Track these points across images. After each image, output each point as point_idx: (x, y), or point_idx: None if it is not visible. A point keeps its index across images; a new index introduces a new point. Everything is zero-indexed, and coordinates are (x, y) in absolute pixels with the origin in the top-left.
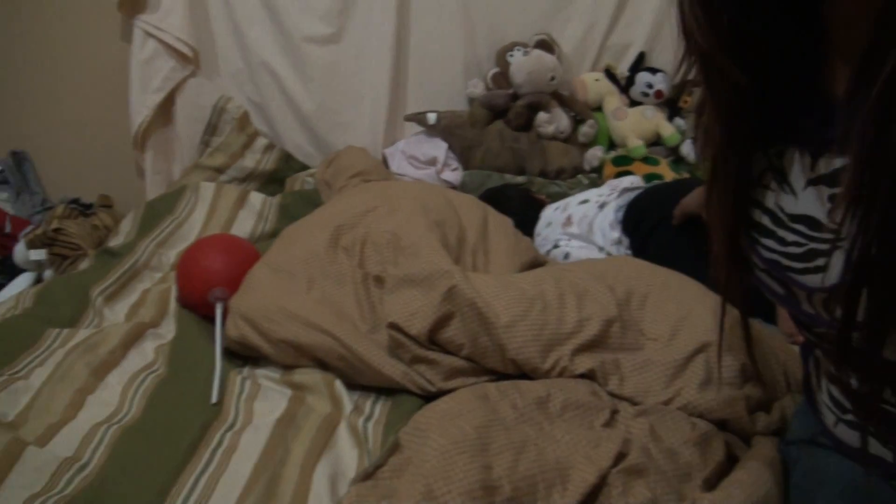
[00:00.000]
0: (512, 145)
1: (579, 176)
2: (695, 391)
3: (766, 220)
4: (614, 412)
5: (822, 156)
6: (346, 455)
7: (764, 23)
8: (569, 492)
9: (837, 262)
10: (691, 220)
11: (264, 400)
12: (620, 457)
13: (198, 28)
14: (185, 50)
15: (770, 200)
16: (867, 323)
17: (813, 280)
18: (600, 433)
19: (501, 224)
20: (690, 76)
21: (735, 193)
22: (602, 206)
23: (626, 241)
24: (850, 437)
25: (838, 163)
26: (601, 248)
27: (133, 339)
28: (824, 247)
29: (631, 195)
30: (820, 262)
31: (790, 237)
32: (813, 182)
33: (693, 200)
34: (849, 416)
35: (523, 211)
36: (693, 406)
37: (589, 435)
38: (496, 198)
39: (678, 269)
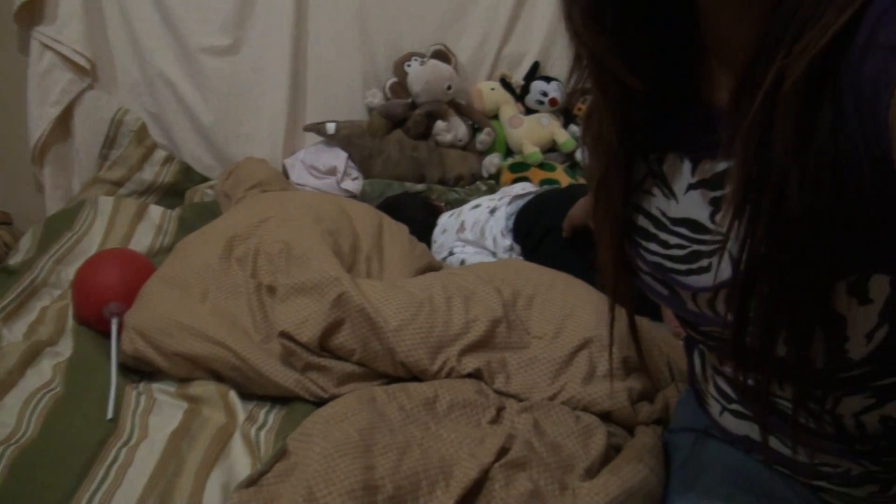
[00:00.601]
0: (411, 154)
1: (478, 183)
2: (578, 385)
3: (648, 224)
4: (500, 409)
5: (701, 161)
6: (239, 464)
7: (644, 29)
8: (451, 487)
9: (721, 262)
10: (579, 232)
11: (159, 414)
12: (503, 451)
13: (95, 39)
14: (82, 62)
15: (652, 205)
16: (758, 320)
17: (697, 281)
18: (486, 430)
19: (396, 231)
20: (582, 83)
21: (623, 198)
22: (493, 210)
23: (517, 248)
24: (735, 426)
25: (721, 167)
26: (493, 254)
27: (30, 358)
28: (707, 248)
29: (521, 202)
30: (703, 262)
31: (673, 240)
32: (694, 186)
33: (578, 212)
34: (734, 406)
35: (421, 218)
36: (577, 400)
37: (474, 432)
38: (394, 206)
39: None
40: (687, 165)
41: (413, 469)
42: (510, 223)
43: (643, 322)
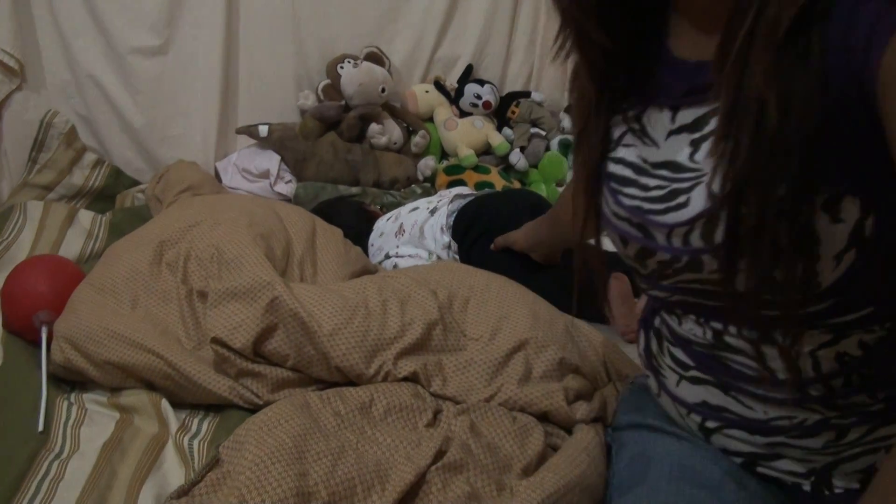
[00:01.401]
0: (345, 157)
1: (413, 186)
2: (515, 387)
3: (628, 172)
4: (437, 413)
5: (680, 108)
6: (172, 475)
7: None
8: (387, 492)
9: (697, 196)
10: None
11: (91, 425)
12: (440, 454)
13: (23, 39)
14: (11, 63)
15: (632, 154)
16: (746, 240)
17: (674, 217)
18: (422, 433)
19: (330, 235)
20: (566, 48)
21: (600, 148)
22: (433, 211)
23: (454, 245)
24: (692, 393)
25: (700, 111)
26: (431, 253)
27: None
28: (686, 185)
29: (462, 202)
30: (681, 199)
31: (653, 182)
32: (675, 132)
33: (521, 239)
34: (691, 373)
35: (355, 223)
36: (514, 401)
37: (411, 436)
38: (328, 212)
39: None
40: (667, 114)
41: (348, 474)
42: (450, 220)
43: (582, 325)
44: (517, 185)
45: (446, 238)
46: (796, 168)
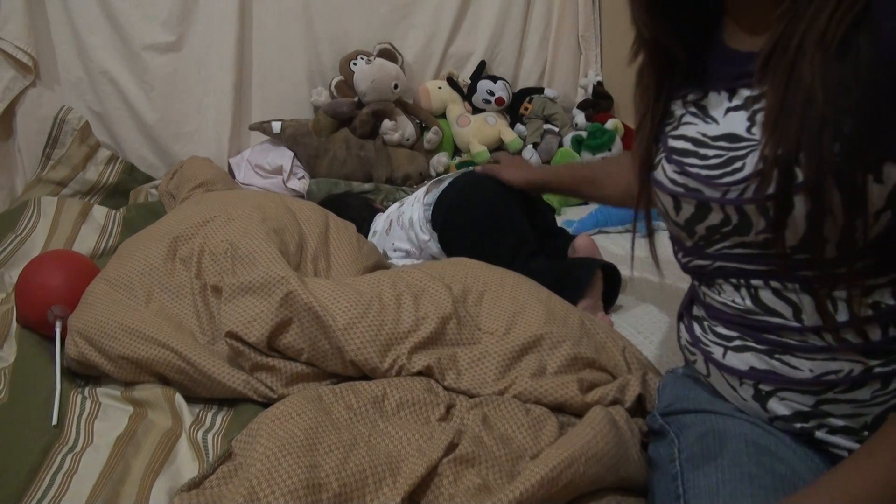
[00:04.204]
0: (358, 153)
1: (426, 182)
2: (528, 380)
3: (689, 146)
4: (450, 407)
5: (736, 90)
6: (186, 468)
7: (683, 10)
8: (398, 484)
9: (752, 160)
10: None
11: (105, 419)
12: (452, 447)
13: (38, 36)
14: (24, 59)
15: (692, 131)
16: (810, 189)
17: (729, 178)
18: (434, 427)
19: (343, 230)
20: (638, 52)
21: (654, 131)
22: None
23: (434, 236)
24: (739, 361)
25: (755, 92)
26: (415, 243)
27: None
28: (741, 153)
29: (437, 191)
30: (738, 164)
31: (711, 153)
32: (733, 109)
33: (546, 174)
34: (735, 343)
35: (362, 218)
36: (528, 393)
37: (423, 430)
38: (336, 205)
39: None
40: (724, 95)
41: (359, 466)
42: (428, 213)
43: (597, 318)
44: None
45: (424, 235)
46: (848, 136)
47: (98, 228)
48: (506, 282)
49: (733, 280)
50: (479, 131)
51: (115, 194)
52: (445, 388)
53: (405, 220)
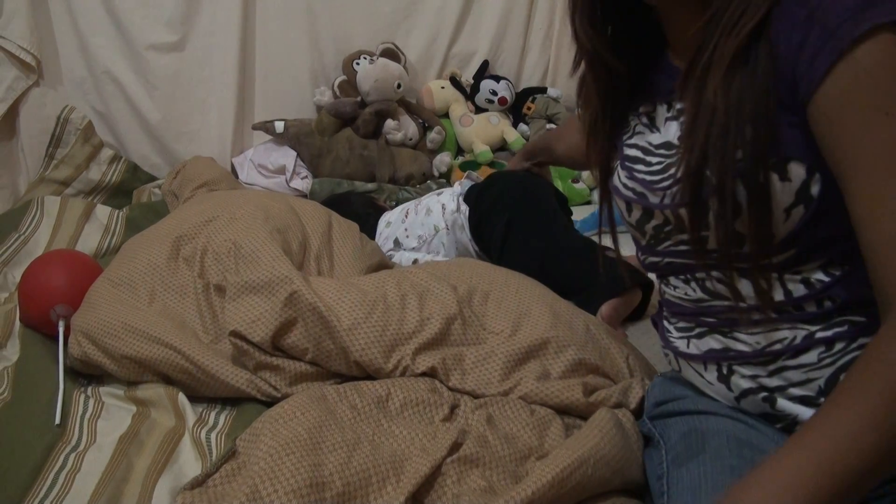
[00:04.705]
0: (361, 153)
1: (429, 182)
2: (533, 381)
3: (638, 153)
4: (454, 407)
5: (672, 102)
6: (189, 468)
7: (625, 28)
8: (402, 483)
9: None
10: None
11: (108, 418)
12: (456, 447)
13: (40, 36)
14: (28, 59)
15: (641, 140)
16: (690, 202)
17: (665, 183)
18: (438, 427)
19: (346, 229)
20: (578, 68)
21: (607, 139)
22: (439, 193)
23: (465, 208)
24: (700, 346)
25: (680, 105)
26: (437, 228)
27: None
28: (675, 160)
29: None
30: (672, 171)
31: (655, 160)
32: (670, 119)
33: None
34: (695, 331)
35: (365, 216)
36: (533, 395)
37: (427, 429)
38: (339, 203)
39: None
40: (664, 107)
41: (363, 465)
42: (464, 188)
43: (606, 326)
44: None
45: (453, 205)
46: (749, 141)
47: (101, 228)
48: (511, 282)
49: (682, 275)
50: (482, 131)
51: (118, 194)
52: (450, 389)
53: (422, 208)
